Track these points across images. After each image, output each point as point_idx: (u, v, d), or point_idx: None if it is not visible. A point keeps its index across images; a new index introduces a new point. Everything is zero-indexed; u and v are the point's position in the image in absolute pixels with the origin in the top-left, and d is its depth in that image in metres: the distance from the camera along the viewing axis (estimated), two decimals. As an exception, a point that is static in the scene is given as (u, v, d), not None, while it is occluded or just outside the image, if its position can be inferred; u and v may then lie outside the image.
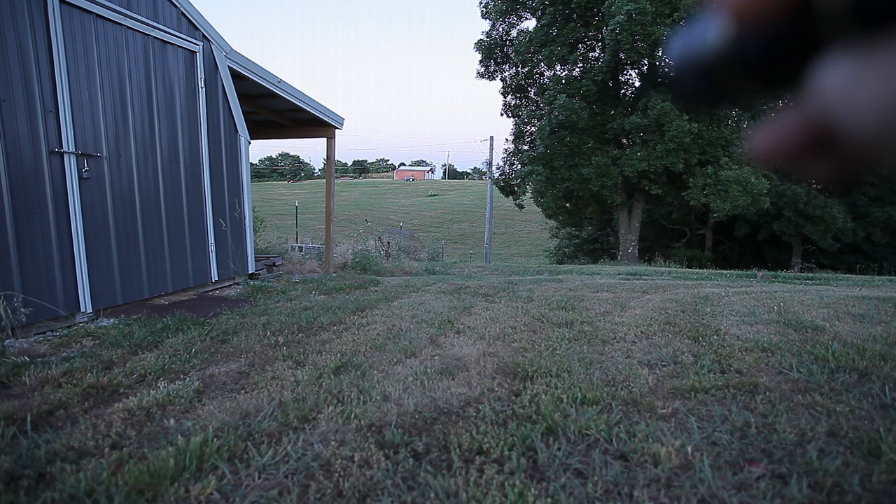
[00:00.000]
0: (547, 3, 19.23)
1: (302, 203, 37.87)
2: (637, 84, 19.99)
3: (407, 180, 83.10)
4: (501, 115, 22.69)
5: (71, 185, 3.42)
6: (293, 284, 5.38)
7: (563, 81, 18.35)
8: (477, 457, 1.53)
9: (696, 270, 12.16)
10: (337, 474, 1.44)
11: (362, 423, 1.75)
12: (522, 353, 2.57)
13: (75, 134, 3.45)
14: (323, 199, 8.51)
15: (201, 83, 4.64)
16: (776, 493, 1.32)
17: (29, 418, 1.79)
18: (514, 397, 1.98)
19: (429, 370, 2.28)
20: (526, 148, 20.80)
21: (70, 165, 3.42)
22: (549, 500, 1.32)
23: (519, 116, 21.24)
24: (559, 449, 1.57)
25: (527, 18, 21.00)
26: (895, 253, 20.11)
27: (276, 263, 6.66)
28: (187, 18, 4.47)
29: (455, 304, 4.04)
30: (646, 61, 17.90)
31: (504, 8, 20.45)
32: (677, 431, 1.68)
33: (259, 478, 1.43)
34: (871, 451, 1.51)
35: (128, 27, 3.87)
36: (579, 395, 1.95)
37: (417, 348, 2.68)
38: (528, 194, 21.69)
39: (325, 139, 7.17)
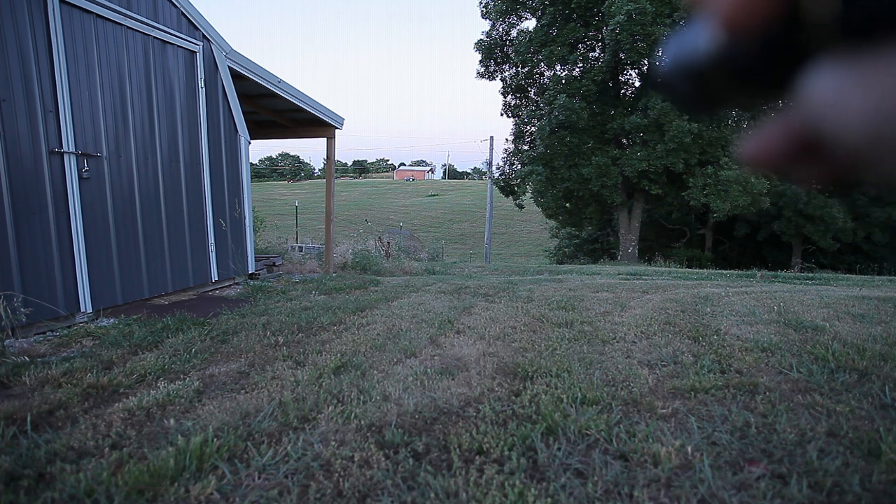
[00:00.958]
0: (547, 3, 19.24)
1: (302, 203, 37.87)
2: (637, 84, 20.01)
3: (407, 180, 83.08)
4: (501, 115, 22.71)
5: (71, 185, 3.42)
6: (293, 284, 5.38)
7: (563, 81, 18.36)
8: (477, 457, 1.53)
9: (696, 270, 12.17)
10: (337, 474, 1.44)
11: (362, 423, 1.75)
12: (522, 353, 2.57)
13: (75, 134, 3.45)
14: (323, 199, 8.51)
15: (201, 83, 4.64)
16: (776, 493, 1.32)
17: (29, 418, 1.79)
18: (514, 397, 1.98)
19: (429, 370, 2.28)
20: (526, 148, 20.80)
21: (70, 165, 3.42)
22: (549, 500, 1.32)
23: (519, 116, 21.24)
24: (559, 449, 1.57)
25: (527, 18, 21.02)
26: (895, 253, 20.11)
27: (276, 263, 6.66)
28: (187, 18, 4.47)
29: (455, 304, 4.04)
30: (646, 61, 17.90)
31: (504, 8, 20.46)
32: (677, 431, 1.68)
33: (259, 478, 1.43)
34: (871, 451, 1.51)
35: (128, 27, 3.87)
36: (579, 395, 1.95)
37: (417, 348, 2.68)
38: (528, 194, 21.68)
39: (325, 139, 7.18)
